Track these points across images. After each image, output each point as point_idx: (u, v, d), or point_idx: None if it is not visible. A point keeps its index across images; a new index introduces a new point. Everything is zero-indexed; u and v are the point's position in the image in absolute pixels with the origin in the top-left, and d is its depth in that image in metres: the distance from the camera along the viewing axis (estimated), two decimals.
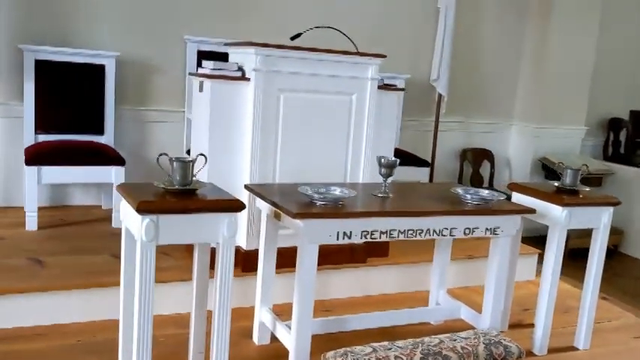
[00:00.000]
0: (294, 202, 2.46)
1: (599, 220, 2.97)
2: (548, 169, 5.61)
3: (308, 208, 2.39)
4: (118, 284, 2.93)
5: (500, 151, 5.75)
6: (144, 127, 4.39)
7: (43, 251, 3.29)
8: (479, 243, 3.84)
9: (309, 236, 2.35)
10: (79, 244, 3.47)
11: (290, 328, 2.56)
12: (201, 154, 2.30)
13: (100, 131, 4.13)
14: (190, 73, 3.37)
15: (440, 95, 5.23)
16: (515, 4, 5.55)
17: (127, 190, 2.20)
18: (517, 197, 3.04)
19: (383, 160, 2.74)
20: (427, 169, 4.75)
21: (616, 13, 5.93)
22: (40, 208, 3.95)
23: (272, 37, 4.33)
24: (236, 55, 3.28)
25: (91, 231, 3.76)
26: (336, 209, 2.42)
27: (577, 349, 3.10)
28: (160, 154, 2.25)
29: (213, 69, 3.12)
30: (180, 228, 2.11)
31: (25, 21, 3.96)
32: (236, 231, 2.19)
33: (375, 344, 2.41)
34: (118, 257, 3.27)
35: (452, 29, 5.12)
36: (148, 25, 4.27)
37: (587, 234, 3.15)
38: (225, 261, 2.20)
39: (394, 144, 3.63)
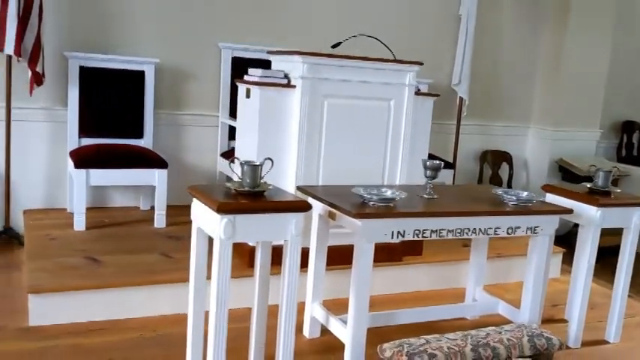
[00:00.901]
0: (350, 202, 2.61)
1: (630, 220, 3.13)
2: (565, 171, 5.77)
3: (364, 209, 2.54)
4: (173, 281, 3.12)
5: (518, 153, 5.92)
6: (179, 130, 4.54)
7: (97, 250, 3.43)
8: (506, 242, 4.01)
9: (367, 235, 2.50)
10: (128, 244, 3.62)
11: (343, 322, 2.72)
12: (268, 158, 2.45)
13: (139, 135, 4.28)
14: (236, 80, 3.51)
15: (461, 99, 5.39)
16: (533, 11, 5.71)
17: (200, 192, 2.35)
18: (551, 198, 3.20)
19: (428, 163, 2.90)
20: (451, 171, 4.91)
21: (629, 18, 6.10)
22: None
23: (303, 43, 4.53)
24: (281, 63, 3.43)
25: (136, 231, 3.91)
26: (389, 209, 2.57)
27: (608, 343, 3.26)
28: (232, 159, 2.40)
29: (262, 76, 3.27)
30: (253, 227, 2.26)
31: (69, 30, 4.11)
32: (302, 229, 2.35)
33: (426, 336, 2.56)
34: (168, 256, 3.47)
35: (473, 35, 5.29)
36: (184, 33, 4.42)
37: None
38: (293, 258, 2.36)
39: (428, 147, 3.78)
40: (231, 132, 4.57)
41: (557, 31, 5.71)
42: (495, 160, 5.74)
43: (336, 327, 2.77)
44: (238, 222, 2.21)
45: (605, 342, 3.26)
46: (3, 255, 3.79)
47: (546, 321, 3.44)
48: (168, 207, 4.01)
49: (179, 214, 4.16)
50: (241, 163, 2.38)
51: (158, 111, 4.37)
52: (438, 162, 2.90)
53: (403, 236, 2.59)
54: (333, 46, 3.63)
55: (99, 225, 3.93)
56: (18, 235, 4.00)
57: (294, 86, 3.27)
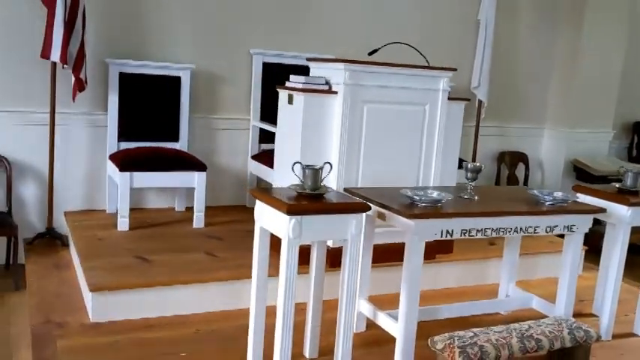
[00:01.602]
0: (399, 203, 2.76)
1: None
2: (579, 171, 5.93)
3: (415, 210, 2.69)
4: (222, 279, 3.27)
5: (533, 153, 6.08)
6: (213, 133, 4.68)
7: (144, 250, 3.57)
8: (528, 241, 4.15)
9: (419, 234, 2.65)
10: (172, 244, 3.76)
11: (391, 316, 2.87)
12: (328, 163, 2.59)
13: (175, 138, 4.42)
14: (277, 87, 3.65)
15: (480, 102, 5.55)
16: (549, 14, 5.87)
17: (266, 195, 2.50)
18: (582, 198, 3.36)
19: (470, 165, 3.05)
20: None
21: None
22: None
23: (330, 49, 4.71)
24: (321, 70, 3.57)
25: (177, 231, 4.05)
26: (438, 210, 2.73)
27: (637, 335, 3.42)
28: (295, 163, 2.54)
29: (305, 83, 3.42)
30: (317, 227, 2.42)
31: (109, 37, 4.25)
32: (362, 229, 2.50)
33: (474, 329, 2.71)
34: (213, 255, 3.61)
35: (491, 40, 5.44)
36: (218, 40, 4.57)
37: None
38: (353, 255, 2.51)
39: (459, 150, 3.93)
40: (262, 135, 4.72)
41: (572, 34, 5.87)
42: (512, 161, 5.90)
43: (385, 321, 2.91)
44: (305, 222, 2.36)
45: (634, 335, 3.42)
46: (49, 255, 3.92)
47: (575, 315, 3.58)
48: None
49: (214, 214, 4.33)
50: (303, 167, 2.53)
51: (193, 115, 4.51)
52: (479, 164, 3.06)
53: (451, 235, 2.74)
54: (370, 53, 3.78)
55: (140, 225, 4.06)
56: (60, 236, 4.14)
57: (335, 92, 3.41)
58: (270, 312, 2.60)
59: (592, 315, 3.61)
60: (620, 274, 3.27)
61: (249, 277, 3.27)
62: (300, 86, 3.43)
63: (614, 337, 3.34)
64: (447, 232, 2.73)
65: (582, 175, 5.87)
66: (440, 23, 5.35)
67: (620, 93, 6.16)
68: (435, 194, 2.86)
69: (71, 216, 4.19)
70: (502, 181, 5.86)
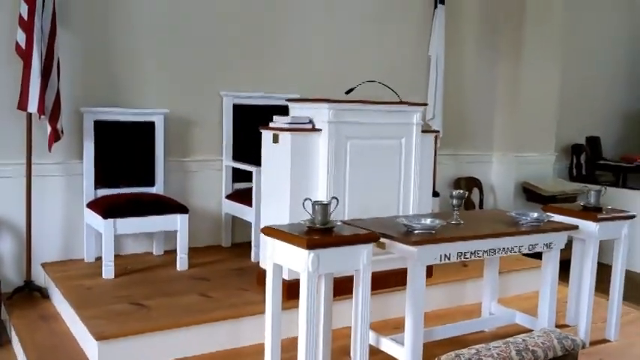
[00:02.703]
0: (398, 232, 2.93)
1: (621, 232, 3.61)
2: (529, 192, 6.33)
3: (414, 237, 2.86)
4: (221, 319, 3.31)
5: (485, 178, 6.43)
6: (186, 176, 4.73)
7: (138, 296, 3.57)
8: (501, 261, 4.41)
9: (421, 259, 2.83)
10: (163, 288, 3.77)
11: (395, 341, 3.00)
12: (334, 198, 2.74)
13: (151, 183, 4.44)
14: (261, 127, 3.77)
15: (437, 132, 5.85)
16: (491, 49, 6.30)
17: (279, 232, 2.61)
18: (554, 217, 3.63)
19: (455, 193, 3.27)
20: (437, 199, 5.33)
21: (573, 52, 6.82)
22: (97, 259, 4.24)
23: (293, 88, 4.91)
24: (302, 110, 3.73)
25: (163, 275, 4.05)
26: (434, 236, 2.91)
27: (610, 341, 3.70)
28: (305, 199, 2.67)
29: (291, 123, 3.56)
30: (333, 259, 2.55)
31: (82, 86, 4.26)
32: (371, 258, 2.64)
33: (475, 346, 2.89)
34: (207, 296, 3.65)
35: (442, 74, 5.79)
36: (188, 84, 4.66)
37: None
38: (365, 284, 2.64)
39: (432, 178, 4.16)
40: (235, 174, 4.81)
41: (513, 67, 6.32)
42: (468, 186, 6.22)
43: (390, 346, 3.04)
44: (322, 256, 2.49)
45: (607, 340, 3.70)
46: (32, 308, 3.84)
47: None
48: None
49: (193, 256, 4.34)
50: (313, 204, 2.66)
51: (167, 158, 4.54)
52: (462, 192, 3.28)
53: (449, 259, 2.93)
54: (347, 92, 3.97)
55: (123, 272, 4.04)
56: (40, 288, 4.05)
57: (319, 130, 3.58)
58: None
59: (566, 325, 3.87)
60: (592, 285, 3.55)
61: (246, 314, 3.40)
62: (286, 126, 3.57)
63: (591, 343, 3.60)
64: (445, 255, 2.91)
65: (532, 196, 6.27)
66: (395, 60, 5.64)
67: (559, 118, 6.64)
68: (428, 221, 3.05)
69: (50, 267, 4.12)
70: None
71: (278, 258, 2.66)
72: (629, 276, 5.27)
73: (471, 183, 6.27)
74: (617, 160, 7.28)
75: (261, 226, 3.74)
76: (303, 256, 2.47)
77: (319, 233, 2.59)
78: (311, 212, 2.67)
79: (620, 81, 7.59)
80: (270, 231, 2.67)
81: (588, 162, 7.13)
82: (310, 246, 2.45)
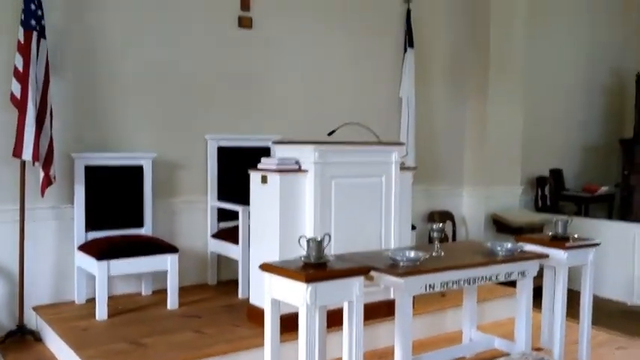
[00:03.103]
0: (385, 264, 3.14)
1: (587, 258, 3.88)
2: (498, 224, 6.63)
3: (400, 269, 3.07)
4: (219, 353, 3.45)
5: (457, 211, 6.72)
6: (173, 216, 4.88)
7: (134, 335, 3.68)
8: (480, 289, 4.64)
9: (408, 290, 3.03)
10: (157, 326, 3.88)
11: None
12: (327, 234, 2.94)
13: (140, 224, 4.58)
14: (250, 169, 3.97)
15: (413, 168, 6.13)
16: (458, 89, 6.66)
17: (277, 268, 2.79)
18: (526, 247, 3.89)
19: (435, 226, 3.51)
20: (415, 232, 5.57)
21: (534, 92, 7.24)
22: (88, 300, 4.34)
23: (277, 130, 5.13)
24: (288, 151, 3.95)
25: (155, 314, 4.16)
26: (419, 267, 3.13)
27: None
28: (300, 237, 2.86)
29: (278, 164, 3.78)
30: (328, 291, 2.73)
31: (73, 132, 4.42)
32: (363, 290, 2.84)
33: None
34: (202, 332, 3.78)
35: (413, 113, 6.11)
36: (174, 128, 4.85)
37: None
38: (358, 314, 2.83)
39: (410, 213, 4.40)
40: (220, 214, 4.98)
41: (479, 105, 6.68)
42: (441, 219, 6.48)
43: None
44: (319, 289, 2.68)
45: None
46: (27, 351, 3.90)
47: None
48: None
49: (182, 295, 4.44)
50: (308, 240, 2.86)
51: (155, 200, 4.69)
52: (442, 225, 3.52)
53: (433, 288, 3.14)
54: (329, 134, 4.22)
55: (115, 313, 4.13)
56: (32, 331, 4.12)
57: (305, 170, 3.80)
58: None
59: (541, 348, 4.10)
60: (564, 309, 3.80)
61: (242, 348, 3.54)
62: (274, 167, 3.78)
63: None
64: (430, 285, 3.13)
65: (502, 227, 6.57)
66: (369, 102, 5.93)
67: (523, 153, 7.00)
68: (412, 254, 3.27)
69: (42, 310, 4.20)
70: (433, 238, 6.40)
71: (276, 293, 2.84)
72: (597, 301, 5.59)
73: (444, 216, 6.53)
74: (579, 191, 7.67)
75: (251, 263, 3.95)
76: (301, 290, 2.65)
77: (315, 268, 2.78)
78: (306, 248, 2.86)
79: (578, 117, 8.06)
80: (269, 267, 2.84)
81: (552, 193, 7.50)
82: (309, 280, 2.63)
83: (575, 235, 3.93)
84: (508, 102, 6.73)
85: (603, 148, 8.28)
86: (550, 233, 3.96)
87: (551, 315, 3.91)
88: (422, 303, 4.39)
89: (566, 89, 7.88)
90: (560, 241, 3.82)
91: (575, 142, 8.03)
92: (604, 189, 7.61)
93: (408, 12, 6.11)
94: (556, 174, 7.63)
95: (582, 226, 6.45)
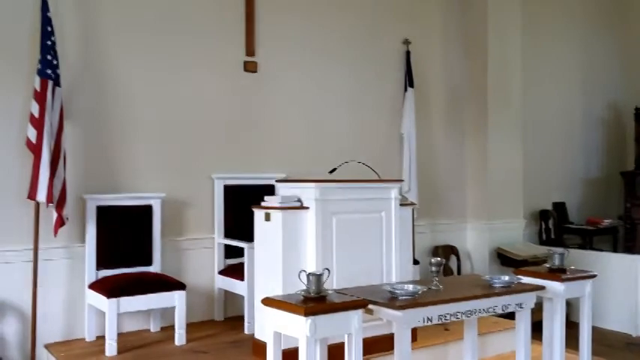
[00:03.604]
0: (384, 298, 3.25)
1: (584, 290, 3.97)
2: (502, 257, 6.71)
3: (399, 302, 3.18)
4: None
5: (461, 245, 6.81)
6: (181, 254, 5.02)
7: None
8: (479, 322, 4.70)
9: (407, 322, 3.14)
10: None
11: None
12: (326, 269, 3.06)
13: (149, 262, 4.71)
14: (253, 207, 4.12)
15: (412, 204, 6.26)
16: (458, 127, 6.83)
17: (279, 302, 2.92)
18: (523, 279, 3.98)
19: (433, 260, 3.62)
20: (417, 266, 5.67)
21: (533, 127, 7.40)
22: (97, 338, 4.45)
23: (279, 168, 5.32)
24: (290, 190, 4.10)
25: (164, 350, 4.26)
26: (417, 300, 3.23)
27: None
28: (301, 271, 2.99)
29: (281, 202, 3.92)
30: (328, 324, 2.85)
31: (85, 174, 4.60)
32: (361, 323, 2.95)
33: None
34: None
35: (415, 150, 6.27)
36: (181, 169, 5.03)
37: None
38: (357, 347, 2.94)
39: (411, 247, 4.51)
40: (227, 251, 5.11)
41: (479, 141, 6.83)
42: (445, 254, 6.58)
43: None
44: (319, 321, 2.79)
45: None
46: None
47: None
48: None
49: (189, 331, 4.53)
50: (307, 275, 2.98)
51: (163, 238, 4.84)
52: (440, 259, 3.64)
53: (431, 321, 3.24)
54: (330, 172, 4.38)
55: (125, 349, 4.24)
56: None
57: (307, 207, 3.94)
58: None
59: None
60: (563, 339, 3.87)
61: None
62: (277, 205, 3.93)
63: None
64: (428, 318, 3.23)
65: (506, 261, 6.64)
66: (371, 139, 6.11)
67: (526, 187, 7.12)
68: (410, 287, 3.38)
69: (54, 347, 4.31)
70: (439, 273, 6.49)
71: (278, 326, 2.95)
72: (602, 333, 5.62)
73: (448, 250, 6.63)
74: (583, 224, 7.75)
75: (256, 297, 4.06)
76: (301, 323, 2.77)
77: (314, 301, 2.90)
78: (306, 282, 2.98)
79: (578, 151, 8.20)
80: (270, 301, 2.97)
81: (556, 226, 7.58)
82: (308, 313, 2.75)
83: (572, 267, 4.03)
84: (507, 137, 6.88)
85: (605, 180, 8.38)
86: (547, 265, 4.06)
87: (552, 347, 3.97)
88: (425, 337, 4.48)
89: (565, 124, 8.03)
90: (557, 273, 3.92)
91: (577, 175, 8.14)
92: (607, 222, 7.69)
93: (408, 53, 6.33)
94: (559, 207, 7.73)
95: (586, 258, 6.56)
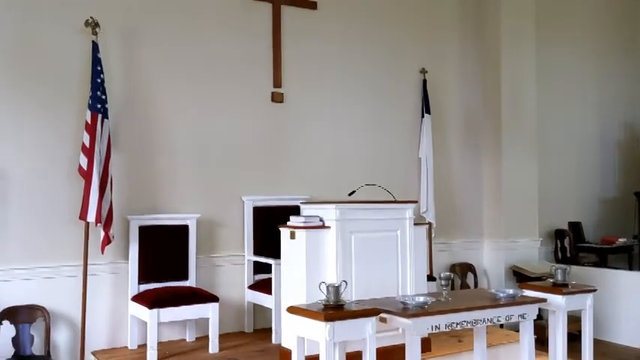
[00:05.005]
0: (396, 308, 3.63)
1: (586, 303, 4.29)
2: (518, 275, 6.99)
3: (409, 311, 3.56)
4: None
5: (478, 263, 7.13)
6: (214, 270, 5.47)
7: None
8: (489, 335, 5.02)
9: (416, 329, 3.51)
10: None
11: None
12: (344, 281, 3.46)
13: (185, 277, 5.17)
14: (279, 226, 4.55)
15: (429, 223, 6.62)
16: (474, 148, 7.18)
17: (302, 310, 3.32)
18: (528, 293, 4.32)
19: (443, 274, 3.99)
20: (434, 283, 6.02)
21: (548, 147, 7.71)
22: (139, 346, 4.90)
23: (304, 190, 5.75)
24: (313, 210, 4.52)
25: (199, 357, 4.70)
26: (426, 310, 3.60)
27: None
28: (321, 283, 3.39)
29: (305, 222, 4.34)
30: (344, 329, 3.24)
31: (129, 197, 5.11)
32: (375, 329, 3.33)
33: None
34: None
35: (432, 172, 6.64)
36: (215, 191, 5.50)
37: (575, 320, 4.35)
38: (371, 350, 3.31)
39: (426, 264, 4.88)
40: (256, 267, 5.54)
41: (495, 162, 7.17)
42: (462, 271, 6.91)
43: None
44: (336, 326, 3.19)
45: None
46: None
47: None
48: None
49: (221, 340, 4.94)
50: (327, 286, 3.38)
51: (198, 255, 5.30)
52: (449, 274, 4.01)
53: (439, 329, 3.61)
54: (350, 194, 4.79)
55: (164, 356, 4.67)
56: None
57: (328, 227, 4.35)
58: None
59: None
60: (565, 351, 4.18)
61: None
62: (301, 224, 4.34)
63: None
64: (436, 326, 3.60)
65: (521, 278, 6.90)
66: (390, 163, 6.51)
67: (541, 206, 7.41)
68: (421, 299, 3.76)
69: (100, 354, 4.77)
70: (456, 289, 6.81)
71: (301, 331, 3.35)
72: (614, 348, 5.88)
73: (465, 268, 6.95)
74: (598, 243, 7.99)
75: (283, 309, 4.46)
76: (321, 328, 3.16)
77: (333, 309, 3.30)
78: (325, 293, 3.38)
79: (592, 171, 8.45)
80: (294, 309, 3.37)
81: (572, 245, 7.84)
82: (327, 319, 3.15)
83: (574, 282, 4.35)
84: (522, 158, 7.20)
85: (620, 200, 8.61)
86: (551, 280, 4.39)
87: (555, 357, 4.29)
88: (439, 347, 4.82)
89: (580, 145, 8.29)
90: (559, 287, 4.25)
91: (592, 195, 8.39)
92: (622, 240, 7.91)
93: (424, 81, 6.74)
94: (575, 226, 7.99)
95: (602, 275, 6.83)
